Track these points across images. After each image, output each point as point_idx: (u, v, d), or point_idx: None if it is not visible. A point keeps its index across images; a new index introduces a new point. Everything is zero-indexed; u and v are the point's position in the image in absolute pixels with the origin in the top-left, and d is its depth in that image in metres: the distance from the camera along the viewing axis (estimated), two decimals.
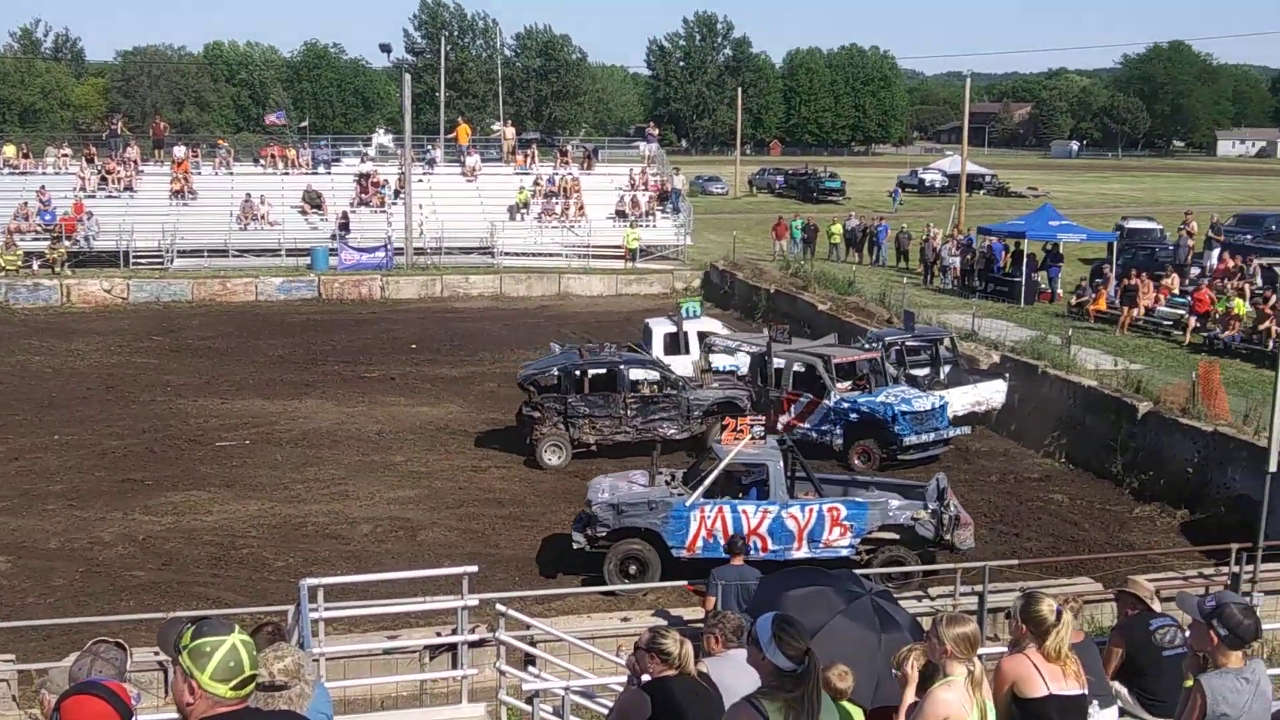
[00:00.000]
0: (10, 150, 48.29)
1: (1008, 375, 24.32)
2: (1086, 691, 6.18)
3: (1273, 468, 15.00)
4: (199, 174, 47.99)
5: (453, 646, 12.24)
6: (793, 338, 24.72)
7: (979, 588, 13.67)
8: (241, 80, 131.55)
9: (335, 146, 56.66)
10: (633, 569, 15.96)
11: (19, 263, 40.07)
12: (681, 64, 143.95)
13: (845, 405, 21.70)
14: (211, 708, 4.03)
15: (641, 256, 44.82)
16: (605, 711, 10.02)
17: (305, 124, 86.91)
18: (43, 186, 43.84)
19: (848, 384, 22.30)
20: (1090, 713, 6.65)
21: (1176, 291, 31.50)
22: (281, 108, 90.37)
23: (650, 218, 47.90)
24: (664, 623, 12.76)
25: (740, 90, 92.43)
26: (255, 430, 24.01)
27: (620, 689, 8.89)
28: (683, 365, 25.29)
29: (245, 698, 4.11)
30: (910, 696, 6.05)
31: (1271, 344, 25.22)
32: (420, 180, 46.79)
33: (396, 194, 46.46)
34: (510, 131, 56.64)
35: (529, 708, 10.49)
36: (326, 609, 11.26)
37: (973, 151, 74.15)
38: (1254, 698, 5.88)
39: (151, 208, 44.30)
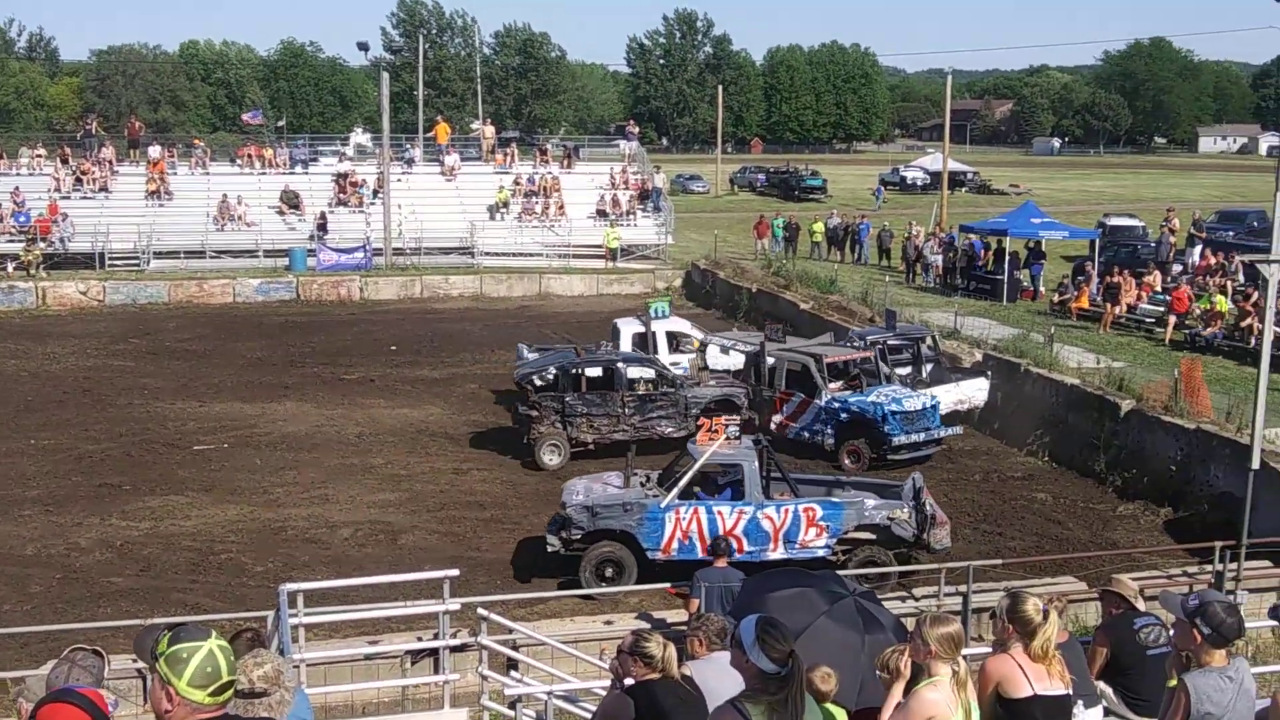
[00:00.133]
0: None
1: (990, 373, 24.35)
2: (1071, 691, 6.16)
3: (1255, 465, 15.07)
4: (175, 174, 47.63)
5: (434, 651, 12.16)
6: (788, 337, 24.79)
7: (963, 588, 13.68)
8: (217, 79, 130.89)
9: (313, 146, 56.38)
10: (609, 572, 15.87)
11: None
12: (661, 62, 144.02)
13: (836, 405, 21.71)
14: (190, 714, 3.99)
15: (622, 256, 44.78)
16: (588, 716, 9.96)
17: (282, 123, 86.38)
18: (17, 188, 43.40)
19: (839, 383, 22.29)
20: (1075, 713, 6.63)
21: (1158, 289, 31.62)
22: (258, 107, 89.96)
23: (631, 217, 47.84)
24: (647, 626, 12.72)
25: (721, 88, 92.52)
26: (234, 433, 23.85)
27: (603, 693, 8.83)
28: None
29: (224, 704, 4.07)
30: (898, 694, 6.01)
31: (1254, 341, 25.30)
32: (399, 180, 46.65)
33: (375, 194, 46.25)
34: (489, 130, 56.46)
35: (512, 713, 10.44)
36: (306, 614, 11.15)
37: (954, 149, 74.32)
38: (1238, 696, 5.88)
39: (127, 209, 43.98)
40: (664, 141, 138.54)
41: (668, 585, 14.30)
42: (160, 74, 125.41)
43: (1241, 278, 31.40)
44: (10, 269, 39.81)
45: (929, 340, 25.26)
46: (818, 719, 5.53)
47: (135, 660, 10.37)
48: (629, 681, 6.28)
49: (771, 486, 16.37)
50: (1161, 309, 29.75)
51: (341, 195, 47.14)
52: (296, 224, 45.02)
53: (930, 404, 21.93)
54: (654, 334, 26.25)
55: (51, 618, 14.63)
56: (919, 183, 76.57)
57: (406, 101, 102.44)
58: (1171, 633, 6.70)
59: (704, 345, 26.19)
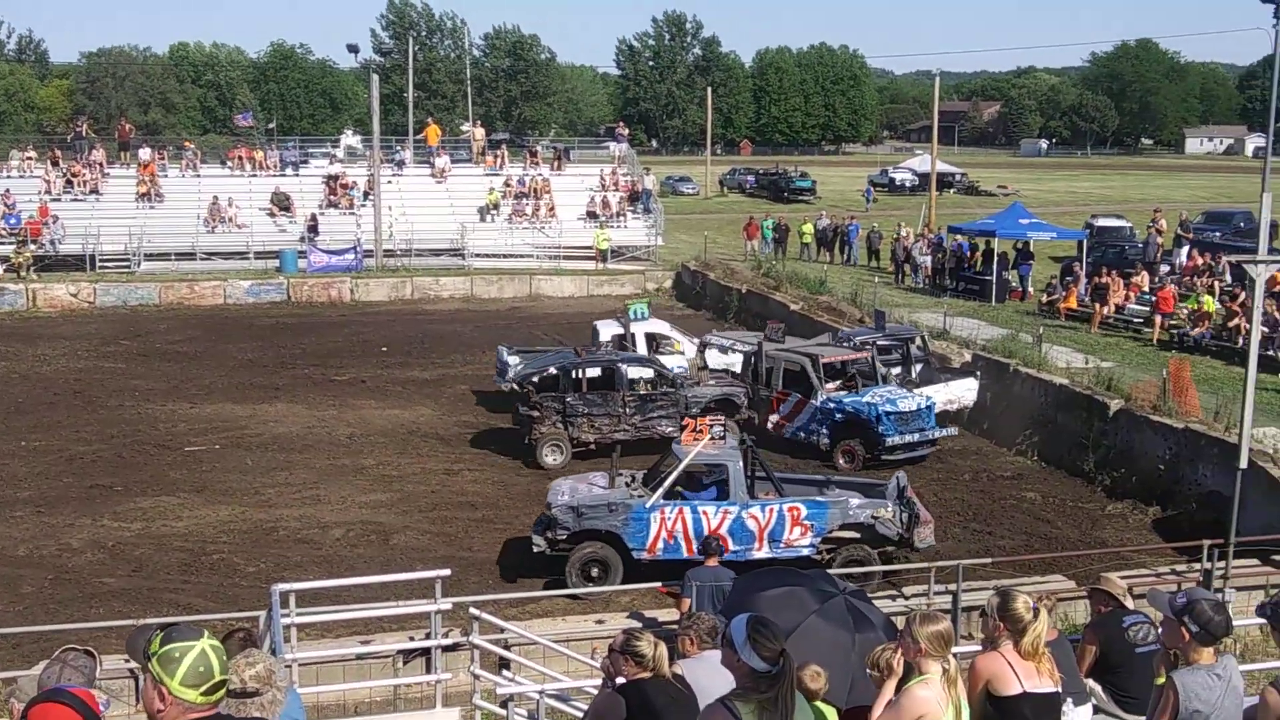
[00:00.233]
0: None
1: (979, 374, 24.43)
2: (1060, 689, 6.19)
3: (1243, 464, 15.14)
4: (165, 176, 47.53)
5: (426, 651, 12.19)
6: (786, 337, 24.86)
7: (952, 586, 13.73)
8: (208, 81, 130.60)
9: (303, 148, 56.23)
10: (595, 572, 15.89)
11: None
12: (651, 64, 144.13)
13: (831, 405, 21.77)
14: (182, 714, 4.00)
15: (613, 257, 44.76)
16: (580, 715, 9.97)
17: (273, 125, 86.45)
18: (7, 190, 43.34)
19: (835, 384, 22.35)
20: (1064, 710, 6.67)
21: (1146, 289, 31.73)
22: (249, 109, 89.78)
23: (621, 218, 47.85)
24: (638, 625, 12.74)
25: (710, 90, 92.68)
26: (225, 435, 23.82)
27: (595, 692, 8.85)
28: None
29: (216, 703, 4.09)
30: (889, 692, 6.05)
31: (1241, 341, 25.41)
32: (389, 182, 46.61)
33: (365, 195, 46.22)
34: (480, 132, 56.47)
35: (503, 712, 10.44)
36: (298, 614, 11.16)
37: (942, 150, 74.49)
38: (1226, 694, 5.90)
39: (118, 211, 43.89)
40: (654, 143, 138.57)
41: (659, 584, 14.35)
42: (150, 76, 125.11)
43: (1228, 278, 31.52)
44: (1, 271, 39.70)
45: (918, 341, 25.32)
46: (808, 717, 5.55)
47: (127, 660, 10.38)
48: (620, 680, 6.31)
49: (756, 486, 16.41)
50: (1148, 309, 29.86)
51: (332, 197, 47.08)
52: (287, 226, 44.94)
53: (925, 405, 22.00)
54: (633, 335, 26.28)
55: (43, 618, 14.61)
56: (907, 184, 76.70)
57: (397, 103, 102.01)
58: (1160, 630, 6.72)
59: (704, 345, 26.24)
